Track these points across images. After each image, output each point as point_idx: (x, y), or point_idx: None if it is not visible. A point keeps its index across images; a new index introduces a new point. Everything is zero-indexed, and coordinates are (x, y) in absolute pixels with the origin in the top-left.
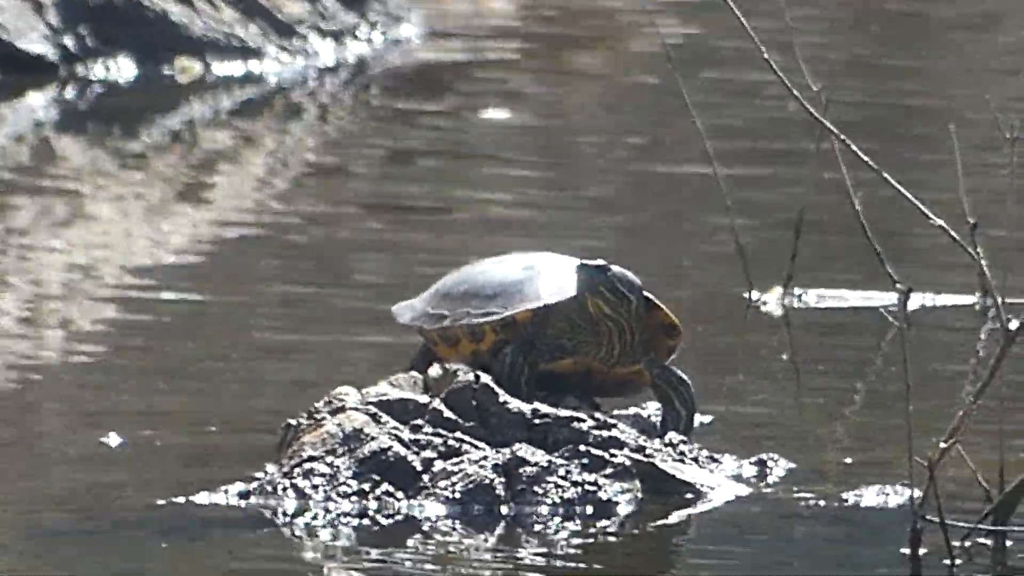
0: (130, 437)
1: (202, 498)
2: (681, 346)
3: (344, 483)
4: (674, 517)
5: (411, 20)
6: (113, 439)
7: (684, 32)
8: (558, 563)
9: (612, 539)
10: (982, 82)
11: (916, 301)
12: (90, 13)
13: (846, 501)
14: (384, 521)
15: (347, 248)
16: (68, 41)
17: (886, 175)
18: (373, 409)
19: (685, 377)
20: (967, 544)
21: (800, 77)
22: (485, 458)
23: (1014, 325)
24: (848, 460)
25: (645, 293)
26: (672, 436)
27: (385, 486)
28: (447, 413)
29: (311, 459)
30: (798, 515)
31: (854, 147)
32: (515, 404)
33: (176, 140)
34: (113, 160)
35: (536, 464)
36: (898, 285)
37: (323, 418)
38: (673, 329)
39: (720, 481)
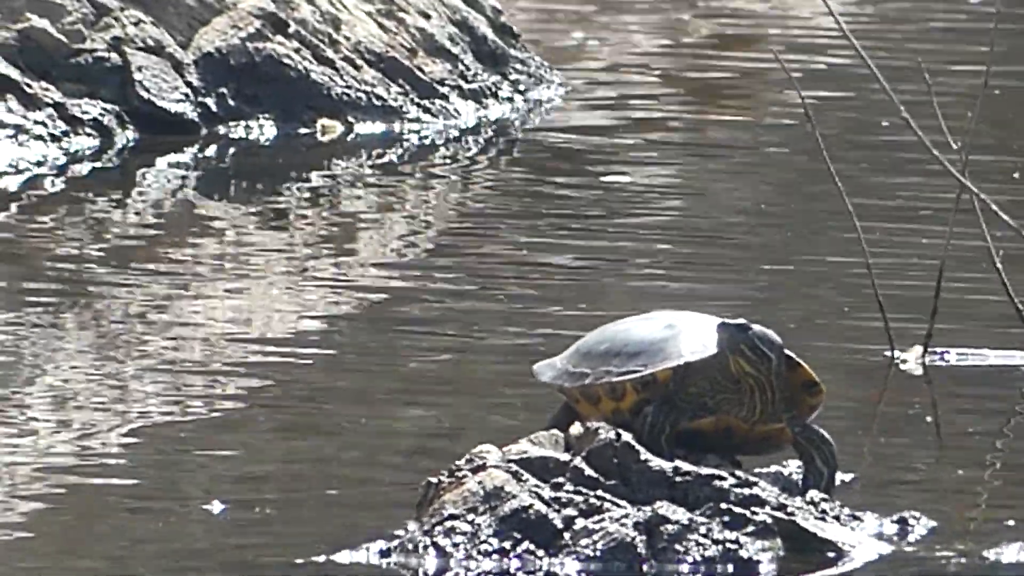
0: (262, 497)
1: (343, 556)
2: (823, 404)
3: (485, 541)
4: (815, 575)
5: (553, 81)
6: (216, 506)
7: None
8: None
9: None
10: None
11: None
12: (231, 73)
13: (988, 559)
14: None
15: (485, 309)
16: (209, 101)
17: None
18: (514, 467)
19: (827, 435)
20: None
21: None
22: (626, 516)
23: None
24: (990, 518)
25: (786, 351)
26: (813, 494)
27: (526, 544)
28: (588, 471)
29: (452, 517)
30: (940, 573)
31: (994, 205)
32: (656, 462)
33: (317, 200)
34: (254, 220)
35: (677, 522)
36: None
37: (464, 476)
38: (814, 387)
39: (862, 539)
